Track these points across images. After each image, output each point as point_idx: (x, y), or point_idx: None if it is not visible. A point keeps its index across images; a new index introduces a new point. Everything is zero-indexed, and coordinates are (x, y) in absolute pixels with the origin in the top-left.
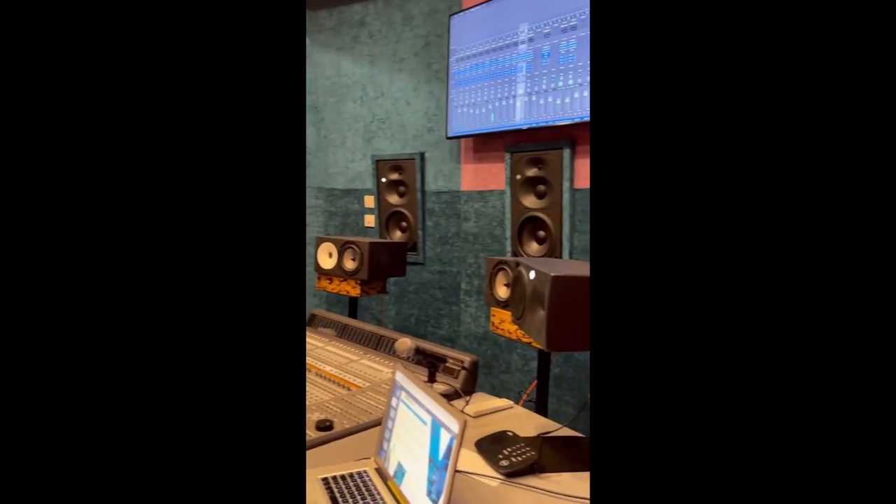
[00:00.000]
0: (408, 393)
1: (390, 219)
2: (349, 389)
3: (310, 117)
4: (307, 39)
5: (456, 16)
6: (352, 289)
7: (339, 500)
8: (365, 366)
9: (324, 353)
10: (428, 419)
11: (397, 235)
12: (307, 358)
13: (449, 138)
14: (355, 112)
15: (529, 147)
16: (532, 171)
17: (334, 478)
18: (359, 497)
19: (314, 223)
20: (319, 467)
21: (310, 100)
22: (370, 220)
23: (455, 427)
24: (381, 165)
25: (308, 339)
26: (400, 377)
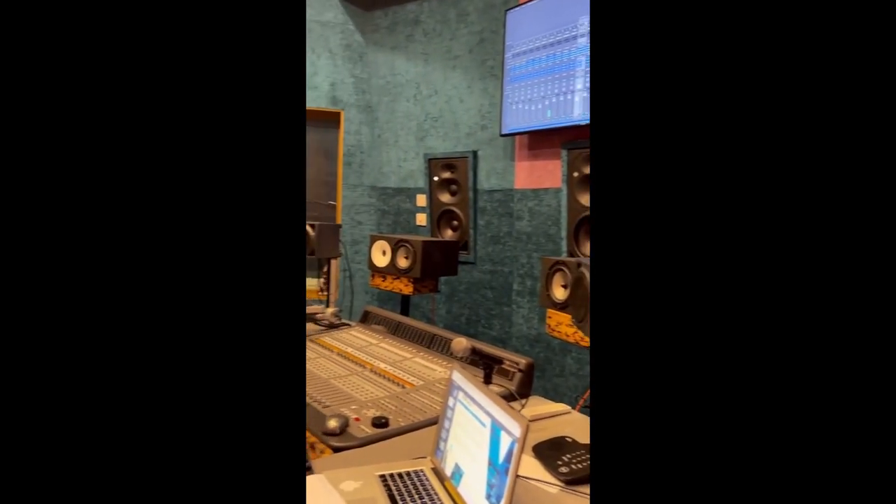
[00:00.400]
0: (465, 393)
1: (441, 217)
2: (403, 387)
3: (364, 117)
4: (361, 39)
5: (512, 11)
6: (404, 286)
7: (398, 498)
8: (418, 364)
9: (377, 349)
10: (487, 421)
11: (448, 234)
12: (361, 353)
13: (503, 135)
14: (408, 111)
15: (588, 143)
16: (590, 169)
17: (391, 475)
18: (416, 496)
19: (367, 221)
20: (376, 464)
21: (364, 99)
22: (422, 219)
23: (517, 431)
24: (434, 164)
25: (361, 336)
26: (457, 377)
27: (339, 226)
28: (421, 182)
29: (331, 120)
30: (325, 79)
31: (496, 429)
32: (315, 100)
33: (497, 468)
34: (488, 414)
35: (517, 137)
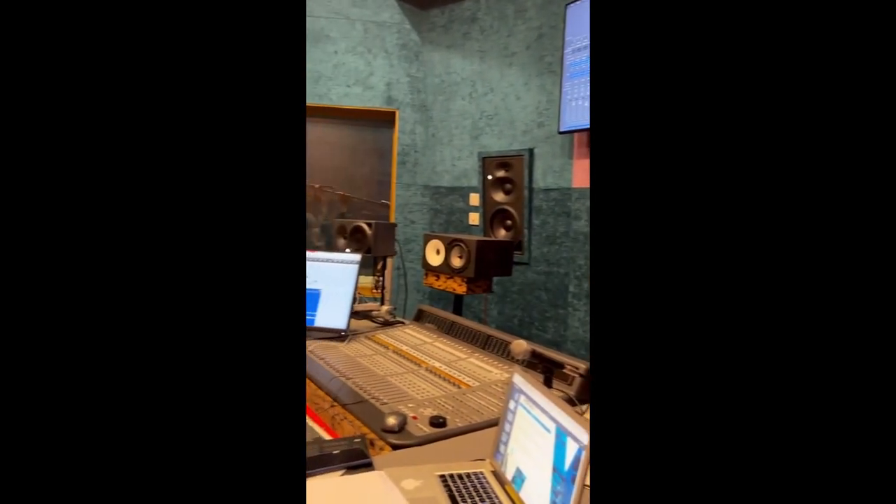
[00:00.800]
0: (528, 397)
1: (495, 217)
2: (459, 387)
3: (418, 116)
4: (417, 38)
5: (572, 5)
6: (458, 286)
7: (458, 499)
8: (473, 364)
9: (431, 348)
10: (552, 427)
11: (501, 234)
12: (416, 352)
13: (561, 133)
14: (463, 109)
15: None
16: None
17: (451, 476)
18: (477, 498)
19: (419, 220)
20: (434, 463)
21: (419, 98)
22: (474, 218)
23: (584, 438)
24: (488, 163)
25: (415, 334)
26: (518, 380)
27: (395, 225)
28: (474, 181)
29: (385, 120)
30: (380, 79)
31: (562, 435)
32: (371, 100)
33: (563, 475)
34: (553, 419)
35: (576, 135)
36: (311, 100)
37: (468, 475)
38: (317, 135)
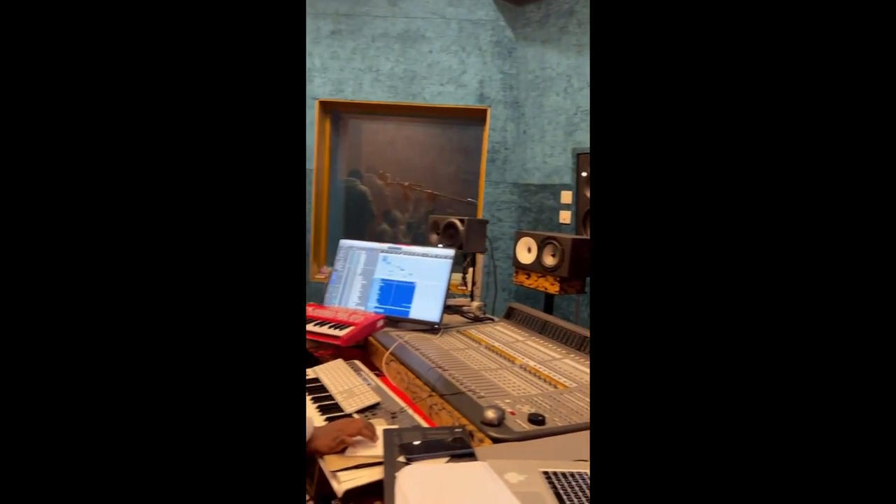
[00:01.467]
0: None
1: (588, 215)
2: (555, 387)
3: (510, 113)
4: (511, 34)
5: None
6: (549, 285)
7: (564, 497)
8: (569, 365)
9: (524, 346)
10: None
11: None
12: (508, 349)
13: None
14: (557, 105)
15: None
16: None
17: (555, 473)
18: (584, 498)
19: (507, 219)
20: (534, 460)
21: (511, 95)
22: (565, 217)
23: None
24: (583, 159)
25: (507, 331)
26: None
27: (486, 221)
28: (567, 178)
29: (475, 118)
30: (473, 76)
31: None
32: (463, 98)
33: None
34: None
35: None
36: (406, 99)
37: (573, 474)
38: (407, 134)
